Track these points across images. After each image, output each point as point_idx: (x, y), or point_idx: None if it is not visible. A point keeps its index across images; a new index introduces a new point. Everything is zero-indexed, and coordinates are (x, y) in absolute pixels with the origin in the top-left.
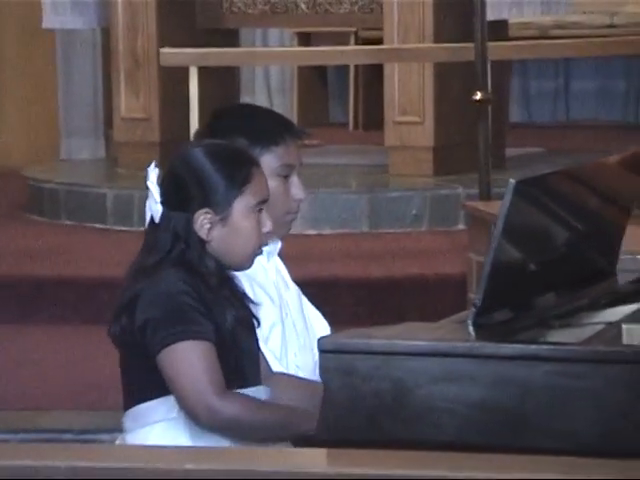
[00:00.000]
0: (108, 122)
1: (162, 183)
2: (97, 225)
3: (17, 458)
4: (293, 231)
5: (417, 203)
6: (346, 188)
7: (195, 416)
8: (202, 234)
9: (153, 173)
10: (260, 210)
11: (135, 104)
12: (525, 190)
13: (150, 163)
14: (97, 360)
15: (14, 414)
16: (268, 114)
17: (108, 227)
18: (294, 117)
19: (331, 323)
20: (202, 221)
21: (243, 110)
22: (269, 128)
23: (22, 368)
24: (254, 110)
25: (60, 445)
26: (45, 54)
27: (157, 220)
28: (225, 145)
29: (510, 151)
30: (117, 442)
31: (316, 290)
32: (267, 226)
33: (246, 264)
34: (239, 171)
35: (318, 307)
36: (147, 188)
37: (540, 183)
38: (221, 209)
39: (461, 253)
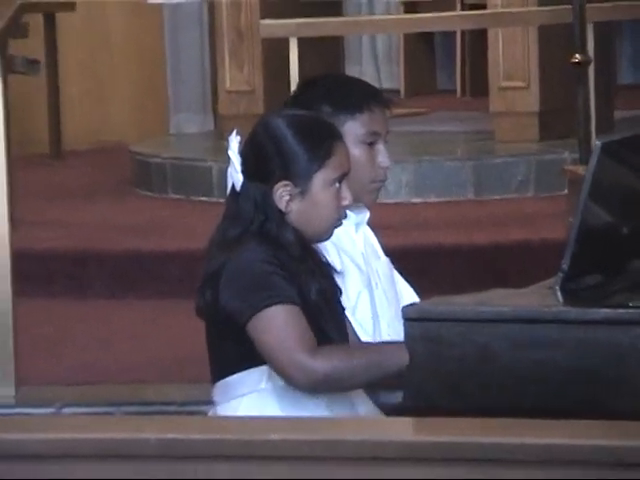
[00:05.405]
0: (215, 96)
1: (242, 152)
2: (203, 198)
3: (108, 431)
4: (398, 199)
5: (523, 169)
6: (451, 155)
7: (291, 379)
8: (281, 206)
9: (234, 142)
10: (340, 183)
11: (239, 77)
12: (612, 151)
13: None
14: (200, 333)
15: (118, 387)
16: (353, 82)
17: (214, 200)
18: (401, 85)
19: (435, 290)
20: (281, 193)
21: (328, 79)
22: (353, 95)
23: (126, 341)
24: (339, 79)
25: (148, 417)
26: (152, 30)
27: (238, 188)
28: (308, 116)
29: (620, 114)
30: (209, 414)
31: (421, 258)
32: (347, 199)
33: (324, 236)
34: (321, 144)
35: (422, 274)
36: (228, 156)
37: (628, 144)
38: (301, 182)
39: (567, 218)
